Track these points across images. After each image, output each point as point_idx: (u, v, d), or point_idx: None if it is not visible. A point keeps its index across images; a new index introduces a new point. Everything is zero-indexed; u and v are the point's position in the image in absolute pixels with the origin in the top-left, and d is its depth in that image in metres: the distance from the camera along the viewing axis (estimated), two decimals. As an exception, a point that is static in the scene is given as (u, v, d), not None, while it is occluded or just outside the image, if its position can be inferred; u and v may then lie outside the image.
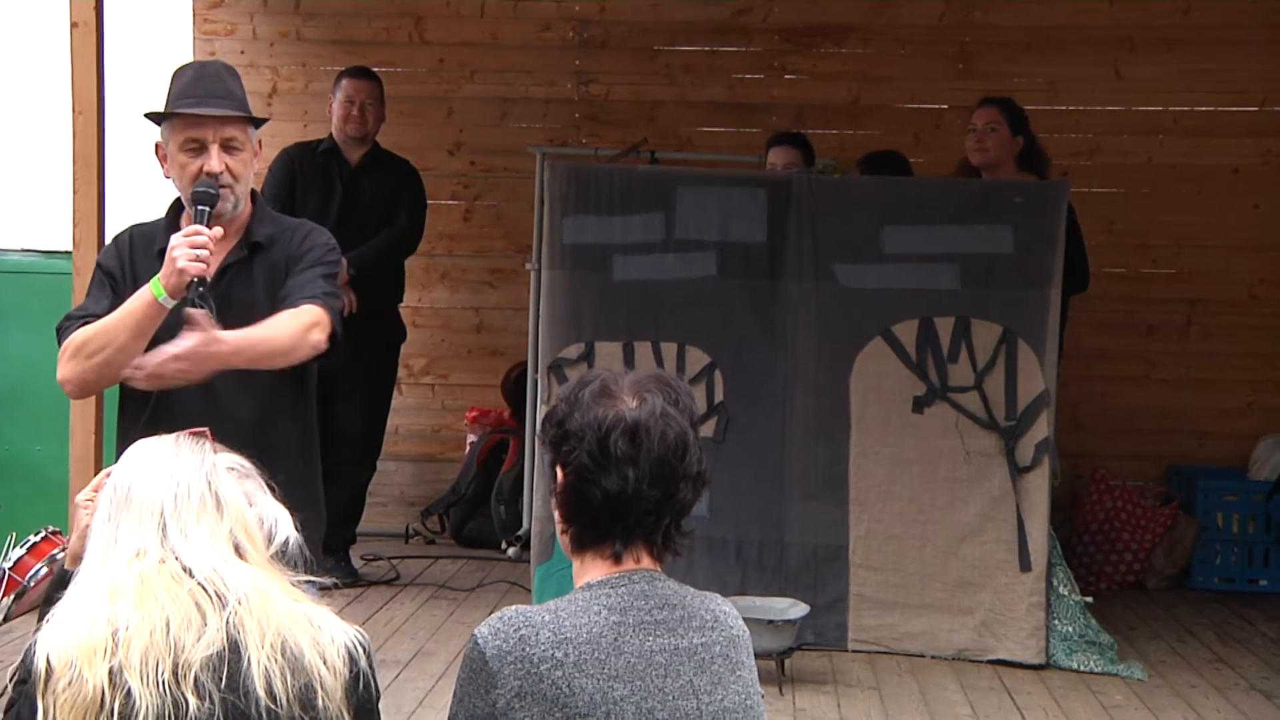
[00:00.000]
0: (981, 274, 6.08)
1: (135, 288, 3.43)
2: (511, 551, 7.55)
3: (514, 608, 2.31)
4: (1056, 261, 6.03)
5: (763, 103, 8.34)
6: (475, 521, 8.03)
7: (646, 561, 2.37)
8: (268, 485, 2.48)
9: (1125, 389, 8.13)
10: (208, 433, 2.49)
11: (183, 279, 3.30)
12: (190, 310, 3.28)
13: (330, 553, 6.47)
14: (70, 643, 2.18)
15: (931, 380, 6.08)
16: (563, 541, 2.42)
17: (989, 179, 6.50)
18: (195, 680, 2.17)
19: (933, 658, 6.00)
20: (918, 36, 8.25)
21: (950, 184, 6.59)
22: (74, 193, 6.13)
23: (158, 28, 8.97)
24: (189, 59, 6.15)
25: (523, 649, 2.25)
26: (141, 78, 6.86)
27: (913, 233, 6.13)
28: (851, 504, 6.11)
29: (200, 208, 3.43)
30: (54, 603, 2.31)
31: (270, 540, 2.39)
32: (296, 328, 3.39)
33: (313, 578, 2.42)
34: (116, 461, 2.45)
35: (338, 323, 3.50)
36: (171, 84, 3.55)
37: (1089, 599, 6.17)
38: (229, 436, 2.56)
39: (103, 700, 2.14)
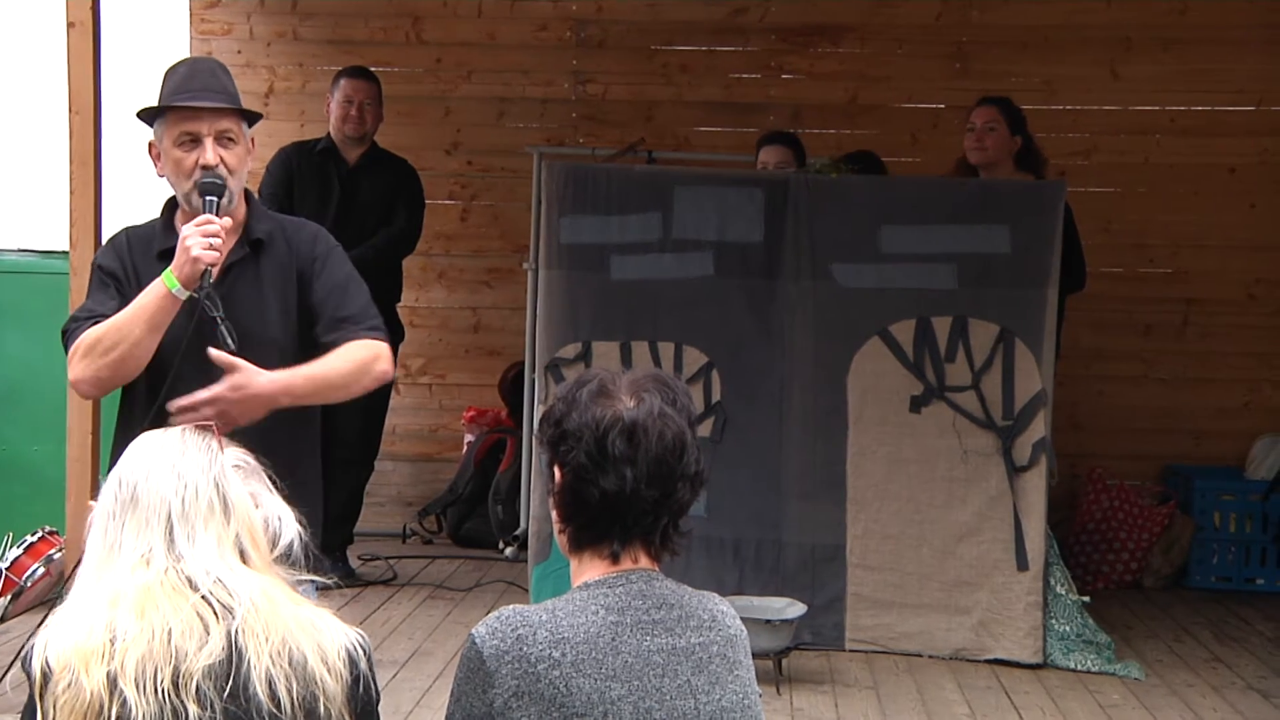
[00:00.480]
0: (978, 273, 6.08)
1: (139, 288, 3.41)
2: (509, 551, 7.55)
3: (511, 607, 2.31)
4: (1054, 261, 6.03)
5: (760, 102, 8.34)
6: (472, 521, 8.02)
7: (644, 561, 2.37)
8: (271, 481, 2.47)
9: (1122, 388, 8.13)
10: (214, 425, 2.47)
11: (197, 267, 3.30)
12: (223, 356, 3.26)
13: (328, 553, 6.46)
14: (68, 646, 2.18)
15: (929, 380, 6.08)
16: (560, 541, 2.42)
17: (986, 179, 6.51)
18: (197, 689, 2.16)
19: (930, 657, 6.00)
20: (915, 36, 8.25)
21: (947, 184, 6.59)
22: (71, 193, 6.11)
23: (154, 28, 8.94)
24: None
25: (520, 649, 2.24)
26: (138, 78, 6.84)
27: (910, 232, 6.13)
28: (849, 503, 6.11)
29: (208, 198, 3.42)
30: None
31: (275, 543, 2.38)
32: (363, 360, 3.47)
33: (313, 577, 2.41)
34: (114, 462, 2.44)
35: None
36: (164, 82, 3.54)
37: (1086, 598, 6.18)
38: (231, 437, 2.55)
39: (101, 705, 2.14)
